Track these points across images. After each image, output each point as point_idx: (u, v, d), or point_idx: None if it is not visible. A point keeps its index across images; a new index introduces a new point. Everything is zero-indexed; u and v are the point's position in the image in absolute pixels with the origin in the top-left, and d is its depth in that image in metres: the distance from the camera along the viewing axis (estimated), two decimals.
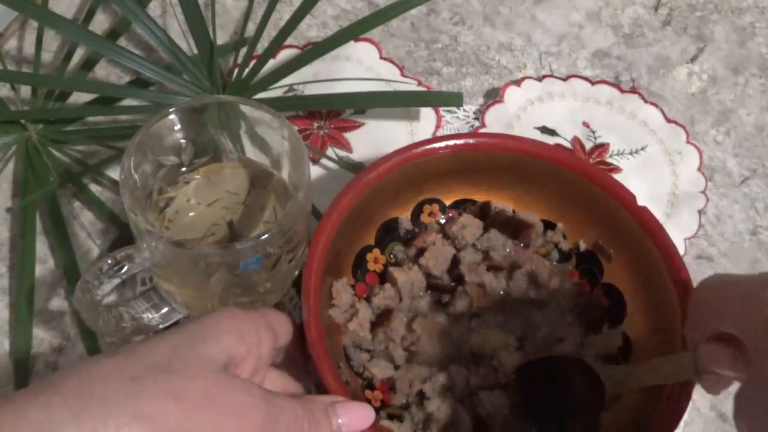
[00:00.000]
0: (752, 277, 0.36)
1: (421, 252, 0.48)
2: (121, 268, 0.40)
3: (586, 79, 0.61)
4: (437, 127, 0.58)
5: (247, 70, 0.58)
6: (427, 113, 0.59)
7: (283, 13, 0.64)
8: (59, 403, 0.28)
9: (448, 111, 0.60)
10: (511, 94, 0.59)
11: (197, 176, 0.46)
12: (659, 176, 0.57)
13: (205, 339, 0.33)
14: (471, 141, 0.48)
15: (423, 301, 0.48)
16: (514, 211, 0.50)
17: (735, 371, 0.35)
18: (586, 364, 0.43)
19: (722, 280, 0.38)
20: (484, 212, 0.50)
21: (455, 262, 0.49)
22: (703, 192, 0.56)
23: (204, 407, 0.30)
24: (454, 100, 0.57)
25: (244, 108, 0.45)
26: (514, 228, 0.49)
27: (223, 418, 0.31)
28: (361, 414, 0.37)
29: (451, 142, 0.48)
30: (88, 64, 0.59)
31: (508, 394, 0.44)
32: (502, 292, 0.48)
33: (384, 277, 0.49)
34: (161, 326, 0.45)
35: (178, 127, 0.44)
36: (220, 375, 0.32)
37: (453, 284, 0.48)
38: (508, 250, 0.49)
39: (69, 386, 0.29)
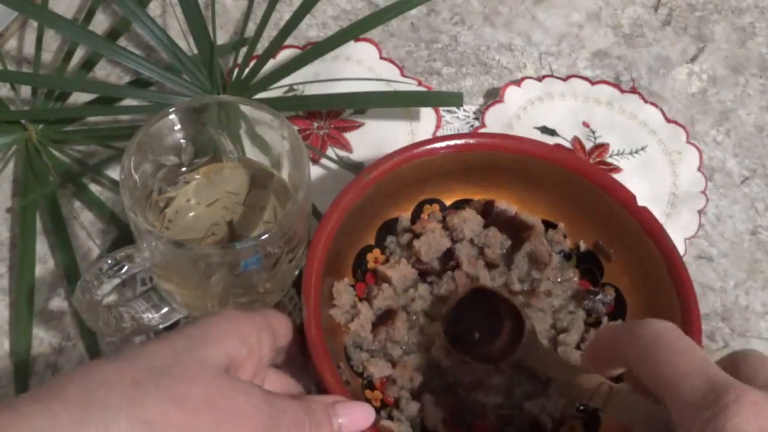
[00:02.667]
0: (686, 343, 0.32)
1: (416, 236, 0.48)
2: (121, 268, 0.40)
3: (586, 79, 0.61)
4: (437, 127, 0.58)
5: (247, 70, 0.58)
6: (427, 113, 0.59)
7: (283, 13, 0.64)
8: (61, 409, 0.28)
9: (448, 111, 0.60)
10: (511, 94, 0.59)
11: (197, 176, 0.46)
12: (659, 176, 0.57)
13: (206, 342, 0.33)
14: (471, 141, 0.48)
15: (417, 293, 0.48)
16: (516, 213, 0.50)
17: None
18: (518, 311, 0.43)
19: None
20: (486, 210, 0.50)
21: (448, 254, 0.49)
22: (703, 192, 0.56)
23: (206, 411, 0.30)
24: (454, 100, 0.57)
25: (244, 108, 0.45)
26: (515, 229, 0.49)
27: (226, 422, 0.31)
28: (362, 414, 0.37)
29: (452, 142, 0.48)
30: (88, 64, 0.59)
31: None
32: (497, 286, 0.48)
33: (376, 275, 0.49)
34: (161, 326, 0.45)
35: (178, 127, 0.44)
36: (221, 378, 0.32)
37: (440, 269, 0.48)
38: (504, 250, 0.49)
39: (70, 392, 0.29)
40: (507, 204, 0.50)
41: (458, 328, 0.44)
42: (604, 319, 0.47)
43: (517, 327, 0.43)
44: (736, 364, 0.32)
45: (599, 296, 0.47)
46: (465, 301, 0.44)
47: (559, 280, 0.48)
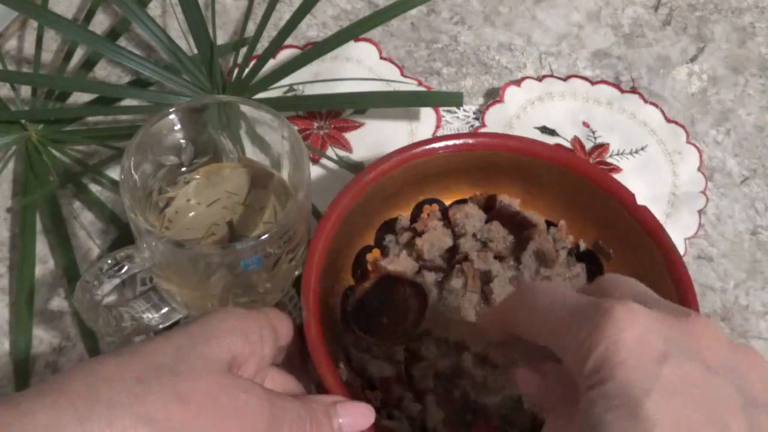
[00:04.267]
0: (587, 301, 0.30)
1: (418, 234, 0.48)
2: (121, 268, 0.40)
3: (586, 79, 0.61)
4: (437, 127, 0.58)
5: (247, 70, 0.58)
6: (427, 113, 0.59)
7: (283, 13, 0.64)
8: (64, 405, 0.28)
9: (448, 111, 0.60)
10: (511, 94, 0.59)
11: (197, 176, 0.46)
12: (659, 176, 0.57)
13: (209, 339, 0.33)
14: (471, 141, 0.48)
15: (423, 279, 0.47)
16: (519, 210, 0.50)
17: (540, 406, 0.33)
18: (421, 288, 0.46)
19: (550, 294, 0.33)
20: (489, 204, 0.50)
21: (451, 251, 0.48)
22: (703, 192, 0.57)
23: (208, 409, 0.30)
24: (454, 100, 0.57)
25: (244, 108, 0.45)
26: (518, 225, 0.49)
27: (228, 420, 0.31)
28: (362, 413, 0.37)
29: (451, 142, 0.48)
30: (88, 64, 0.59)
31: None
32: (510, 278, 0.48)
33: (376, 269, 0.48)
34: (161, 326, 0.45)
35: (178, 127, 0.44)
36: (224, 376, 0.32)
37: (445, 265, 0.48)
38: (507, 245, 0.49)
39: (74, 388, 0.29)
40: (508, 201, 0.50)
41: (366, 316, 0.45)
42: None
43: (422, 303, 0.45)
44: (596, 290, 0.33)
45: None
46: (371, 291, 0.46)
47: (568, 276, 0.48)
